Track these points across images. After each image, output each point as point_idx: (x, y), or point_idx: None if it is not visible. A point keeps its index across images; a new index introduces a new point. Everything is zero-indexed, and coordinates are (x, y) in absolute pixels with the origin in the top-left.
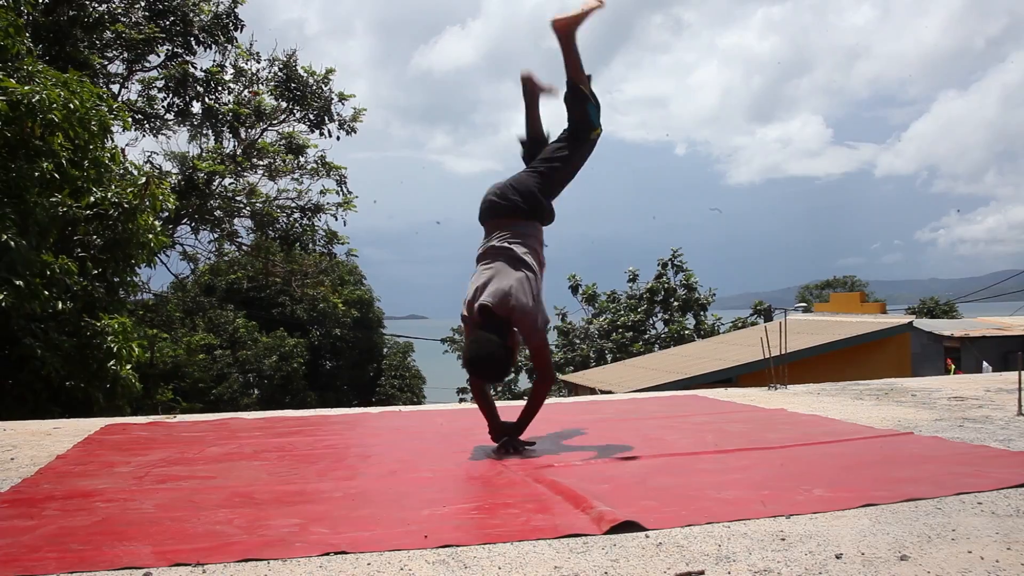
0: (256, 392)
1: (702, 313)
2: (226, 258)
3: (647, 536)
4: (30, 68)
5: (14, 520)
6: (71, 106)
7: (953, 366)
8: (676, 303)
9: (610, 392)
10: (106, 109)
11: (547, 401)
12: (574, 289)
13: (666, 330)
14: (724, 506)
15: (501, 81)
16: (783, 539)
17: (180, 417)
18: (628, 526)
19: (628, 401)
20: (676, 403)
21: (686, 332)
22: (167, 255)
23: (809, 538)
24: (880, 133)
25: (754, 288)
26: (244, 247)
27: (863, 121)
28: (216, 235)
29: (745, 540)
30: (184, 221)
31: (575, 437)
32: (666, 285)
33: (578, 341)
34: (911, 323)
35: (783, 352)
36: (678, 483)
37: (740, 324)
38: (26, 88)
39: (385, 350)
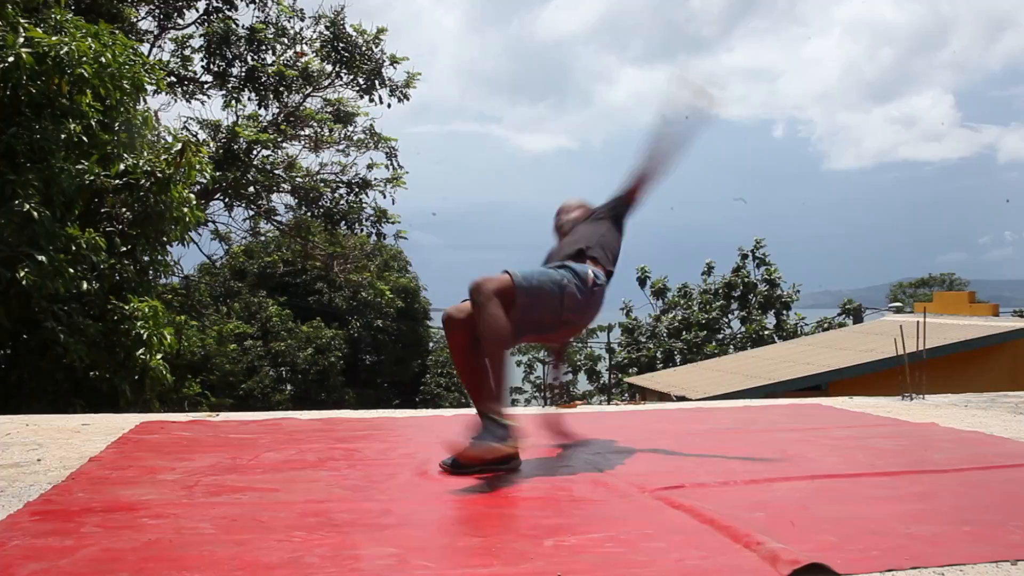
0: (289, 388)
1: (784, 312)
2: (261, 238)
3: None
4: (58, 17)
5: (48, 538)
6: (102, 60)
7: None
8: (756, 300)
9: (684, 398)
10: (141, 65)
11: (643, 407)
12: (642, 282)
13: (743, 329)
14: (924, 545)
15: (608, 52)
16: None
17: (223, 416)
18: (815, 569)
19: (743, 409)
20: (801, 413)
21: (765, 332)
22: (199, 234)
23: None
24: (1008, 114)
25: (836, 285)
26: (282, 226)
27: (992, 101)
28: (252, 212)
29: None
30: (217, 196)
31: (694, 451)
32: (745, 279)
33: (644, 339)
34: None
35: (922, 353)
36: (850, 513)
37: (826, 325)
38: (54, 39)
39: (431, 344)
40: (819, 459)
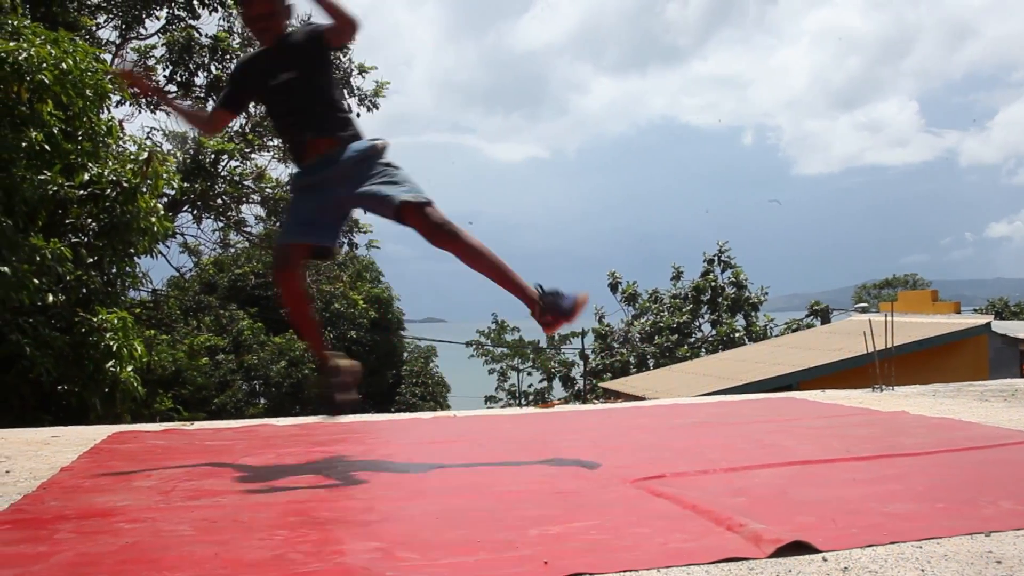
0: (263, 401)
1: (753, 314)
2: (231, 250)
3: (825, 559)
4: (15, 23)
5: (20, 545)
6: (63, 67)
7: None
8: (725, 303)
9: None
10: (103, 73)
11: (622, 405)
12: (613, 287)
13: (714, 332)
14: (901, 522)
15: (583, 61)
16: (999, 562)
17: (198, 424)
18: (797, 547)
19: (717, 404)
20: (774, 406)
21: (736, 334)
22: (167, 246)
23: None
24: (970, 119)
25: (803, 289)
26: (252, 237)
27: (954, 107)
28: (221, 224)
29: (951, 563)
30: (185, 208)
31: (673, 443)
32: (713, 283)
33: (617, 345)
34: (989, 324)
35: (891, 348)
36: (829, 495)
37: (795, 326)
38: (11, 44)
39: (405, 355)
40: (795, 447)
